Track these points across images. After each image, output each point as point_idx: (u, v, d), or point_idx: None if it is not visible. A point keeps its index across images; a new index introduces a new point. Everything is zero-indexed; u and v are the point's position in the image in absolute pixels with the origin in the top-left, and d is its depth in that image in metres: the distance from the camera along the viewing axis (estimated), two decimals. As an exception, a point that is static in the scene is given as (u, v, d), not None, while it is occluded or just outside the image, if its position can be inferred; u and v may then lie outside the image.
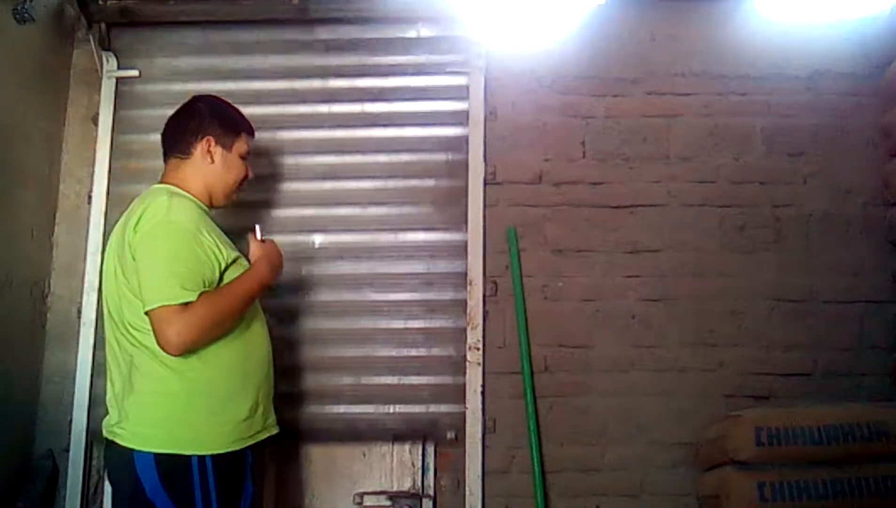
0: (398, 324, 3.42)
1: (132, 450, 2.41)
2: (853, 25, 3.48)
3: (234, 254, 2.61)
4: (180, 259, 2.44)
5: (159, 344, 2.38)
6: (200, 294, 2.42)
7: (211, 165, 2.69)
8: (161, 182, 2.70)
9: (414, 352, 3.40)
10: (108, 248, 2.63)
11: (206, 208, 2.70)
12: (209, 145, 2.69)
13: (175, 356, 2.39)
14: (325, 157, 3.53)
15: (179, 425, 2.40)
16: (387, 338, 3.41)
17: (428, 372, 3.39)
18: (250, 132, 2.84)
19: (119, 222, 2.63)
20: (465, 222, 3.44)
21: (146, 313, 2.39)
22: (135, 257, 2.46)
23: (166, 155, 2.75)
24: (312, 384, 3.36)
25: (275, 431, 2.70)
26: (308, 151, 3.52)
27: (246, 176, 2.80)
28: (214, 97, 2.85)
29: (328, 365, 3.38)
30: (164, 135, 2.77)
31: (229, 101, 2.92)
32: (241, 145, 2.77)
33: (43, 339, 3.42)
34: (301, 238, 3.45)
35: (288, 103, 3.55)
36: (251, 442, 2.56)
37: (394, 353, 3.40)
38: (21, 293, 3.26)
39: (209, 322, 2.41)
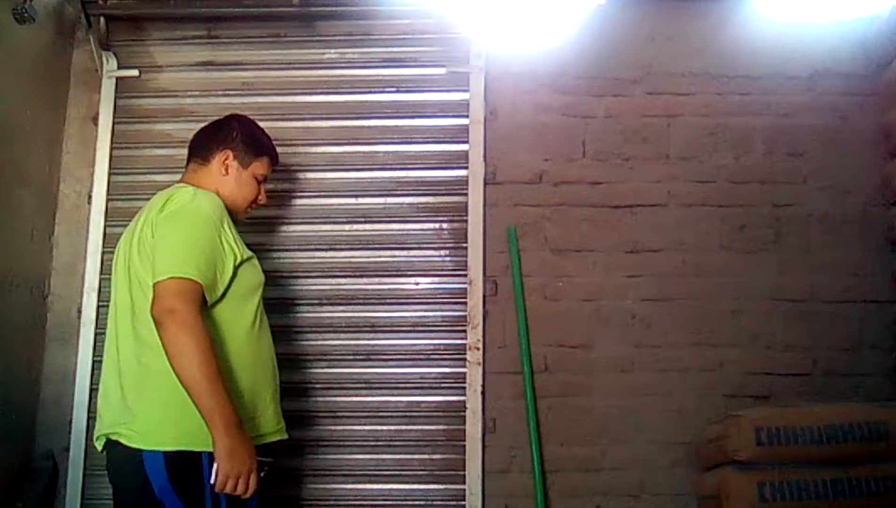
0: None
1: (141, 451, 2.40)
2: (853, 25, 3.48)
3: (249, 253, 2.63)
4: (199, 243, 2.46)
5: (153, 306, 2.36)
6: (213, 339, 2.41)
7: (224, 176, 2.73)
8: (180, 182, 2.73)
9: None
10: (120, 243, 2.63)
11: None
12: (227, 158, 2.74)
13: (153, 316, 2.35)
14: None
15: (188, 420, 2.37)
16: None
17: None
18: (273, 159, 2.89)
19: (135, 218, 2.63)
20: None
21: (154, 285, 2.39)
22: (154, 235, 2.47)
23: (189, 158, 2.80)
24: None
25: (285, 436, 2.69)
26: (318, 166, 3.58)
27: (257, 199, 2.84)
28: (251, 120, 2.89)
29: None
30: (192, 140, 2.83)
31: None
32: (259, 167, 2.81)
33: (43, 339, 3.43)
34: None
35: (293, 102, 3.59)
36: (266, 440, 2.56)
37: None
38: (21, 293, 3.27)
39: (190, 342, 2.31)
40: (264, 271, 2.75)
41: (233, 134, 2.77)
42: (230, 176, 2.74)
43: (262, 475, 2.40)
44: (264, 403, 2.58)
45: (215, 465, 2.31)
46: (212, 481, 2.32)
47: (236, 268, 2.54)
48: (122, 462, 2.46)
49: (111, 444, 2.49)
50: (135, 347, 2.48)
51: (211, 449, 2.35)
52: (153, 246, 2.46)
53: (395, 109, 3.58)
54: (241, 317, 2.56)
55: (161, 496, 2.37)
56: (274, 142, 2.91)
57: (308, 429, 3.39)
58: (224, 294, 2.52)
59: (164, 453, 2.38)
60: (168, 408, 2.40)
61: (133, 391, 2.47)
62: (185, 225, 2.48)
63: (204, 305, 2.43)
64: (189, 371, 2.31)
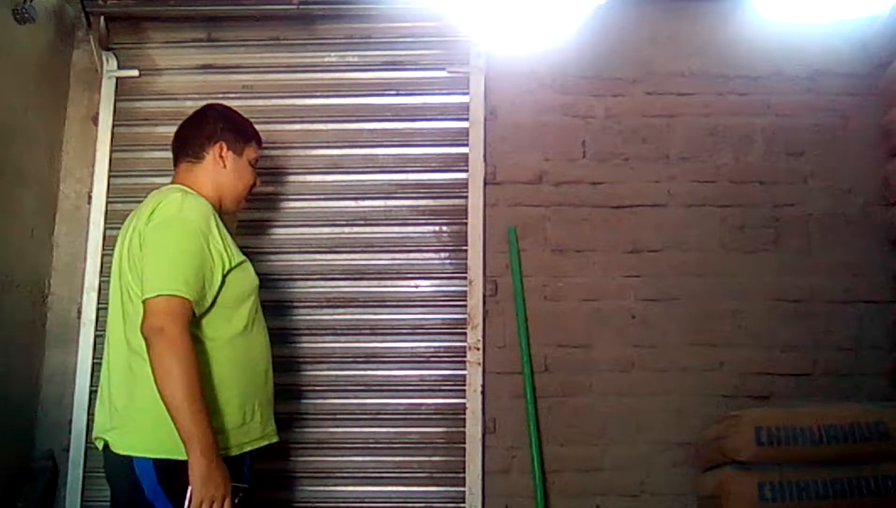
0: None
1: (131, 456, 2.41)
2: (853, 25, 3.47)
3: (241, 258, 2.62)
4: (187, 256, 2.44)
5: (143, 323, 2.37)
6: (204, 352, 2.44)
7: (223, 169, 2.72)
8: (173, 183, 2.71)
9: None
10: (116, 248, 2.63)
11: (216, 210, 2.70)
12: (221, 151, 2.72)
13: (142, 333, 2.36)
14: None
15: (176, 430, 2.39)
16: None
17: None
18: (259, 142, 2.88)
19: (127, 221, 2.63)
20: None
21: (143, 301, 2.39)
22: (142, 248, 2.46)
23: (177, 159, 2.76)
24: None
25: (274, 440, 2.69)
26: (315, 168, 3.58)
27: (254, 184, 2.84)
28: (226, 106, 2.88)
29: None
30: (175, 140, 2.80)
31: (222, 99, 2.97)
32: (250, 152, 2.81)
33: (43, 339, 3.43)
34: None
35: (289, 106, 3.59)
36: (248, 448, 2.55)
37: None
38: (21, 293, 3.27)
39: (176, 364, 2.31)
40: (265, 275, 2.75)
41: (219, 125, 2.75)
42: (228, 168, 2.72)
43: (236, 501, 2.39)
44: (252, 410, 2.56)
45: (189, 489, 2.31)
46: (186, 506, 2.31)
47: (225, 276, 2.53)
48: (114, 464, 2.46)
49: (105, 446, 2.49)
50: (126, 353, 2.48)
51: None
52: (141, 259, 2.45)
53: (395, 112, 3.58)
54: (230, 324, 2.55)
55: (151, 497, 2.37)
56: (274, 145, 2.93)
57: (308, 431, 3.39)
58: (213, 303, 2.50)
59: (154, 459, 2.39)
60: (157, 416, 2.39)
61: (123, 396, 2.47)
62: (172, 239, 2.46)
63: (193, 318, 2.43)
64: (172, 393, 2.31)
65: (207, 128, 2.74)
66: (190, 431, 2.30)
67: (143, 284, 2.42)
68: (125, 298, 2.50)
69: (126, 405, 2.45)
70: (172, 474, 2.37)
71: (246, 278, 2.63)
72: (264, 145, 2.94)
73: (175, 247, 2.45)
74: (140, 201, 2.67)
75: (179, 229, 2.47)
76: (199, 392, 2.33)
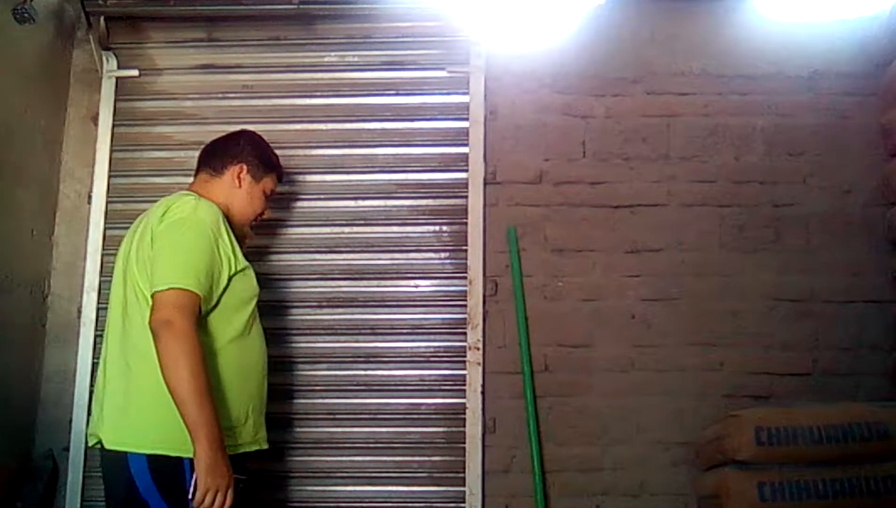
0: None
1: (126, 452, 2.42)
2: (853, 25, 3.48)
3: (245, 264, 2.66)
4: (198, 253, 2.49)
5: (151, 316, 2.39)
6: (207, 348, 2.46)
7: (237, 189, 2.80)
8: (187, 190, 2.75)
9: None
10: (121, 249, 2.66)
11: None
12: (241, 171, 2.81)
13: (150, 327, 2.38)
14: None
15: (171, 427, 2.38)
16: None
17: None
18: (280, 176, 2.97)
19: (136, 221, 2.67)
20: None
21: (153, 295, 2.42)
22: (153, 244, 2.50)
23: (199, 169, 2.85)
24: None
25: (265, 446, 2.71)
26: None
27: (262, 213, 2.90)
28: (259, 136, 2.95)
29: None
30: (203, 151, 2.88)
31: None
32: (268, 183, 2.89)
33: (43, 339, 3.43)
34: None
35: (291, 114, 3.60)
36: (241, 451, 2.56)
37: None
38: (21, 293, 3.27)
39: (183, 355, 2.34)
40: (265, 274, 2.76)
41: (247, 149, 2.85)
42: (243, 189, 2.80)
43: (236, 491, 2.41)
44: (246, 414, 2.59)
45: (194, 478, 2.33)
46: (190, 495, 2.34)
47: (230, 278, 2.58)
48: (109, 461, 2.48)
49: (100, 445, 2.50)
50: (124, 349, 2.50)
51: (191, 455, 2.37)
52: (152, 257, 2.49)
53: (395, 112, 3.58)
54: (229, 327, 2.58)
55: (146, 496, 2.39)
56: (274, 145, 2.95)
57: (308, 431, 3.38)
58: (216, 304, 2.54)
59: (147, 456, 2.40)
60: (152, 412, 2.42)
61: (119, 393, 2.49)
62: (185, 236, 2.51)
63: (199, 315, 2.45)
64: (179, 383, 2.34)
65: (235, 148, 2.84)
66: (196, 421, 2.33)
67: (152, 278, 2.46)
68: (129, 294, 2.53)
69: (123, 402, 2.47)
70: (167, 472, 2.39)
71: (248, 284, 2.68)
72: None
73: (187, 244, 2.50)
74: (140, 201, 2.70)
75: (192, 227, 2.53)
76: (205, 384, 2.36)
